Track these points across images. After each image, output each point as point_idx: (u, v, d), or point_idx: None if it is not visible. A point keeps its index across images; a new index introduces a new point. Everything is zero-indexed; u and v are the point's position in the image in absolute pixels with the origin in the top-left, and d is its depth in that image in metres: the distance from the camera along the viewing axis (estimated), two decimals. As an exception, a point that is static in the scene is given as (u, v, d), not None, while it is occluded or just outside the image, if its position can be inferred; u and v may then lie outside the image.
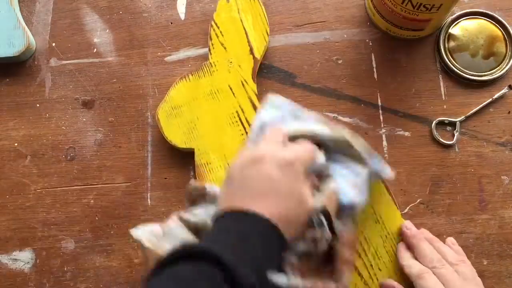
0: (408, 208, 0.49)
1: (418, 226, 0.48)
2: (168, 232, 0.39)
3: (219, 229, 0.34)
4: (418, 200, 0.49)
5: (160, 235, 0.39)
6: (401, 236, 0.46)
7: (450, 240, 0.47)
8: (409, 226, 0.46)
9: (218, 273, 0.29)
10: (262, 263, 0.33)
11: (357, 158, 0.42)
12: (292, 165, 0.37)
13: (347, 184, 0.41)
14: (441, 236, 0.48)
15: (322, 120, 0.44)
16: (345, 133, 0.42)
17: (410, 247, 0.46)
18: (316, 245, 0.38)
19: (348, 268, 0.39)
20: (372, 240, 0.46)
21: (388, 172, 0.43)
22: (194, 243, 0.37)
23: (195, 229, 0.39)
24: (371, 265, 0.46)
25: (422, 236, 0.46)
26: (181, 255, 0.31)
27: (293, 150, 0.39)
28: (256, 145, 0.41)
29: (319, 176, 0.40)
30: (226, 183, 0.38)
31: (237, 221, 0.34)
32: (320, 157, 0.41)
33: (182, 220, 0.39)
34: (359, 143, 0.42)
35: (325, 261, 0.39)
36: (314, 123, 0.43)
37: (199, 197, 0.42)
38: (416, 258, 0.45)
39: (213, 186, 0.42)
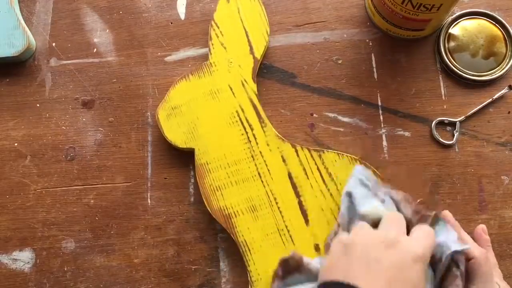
0: (408, 208, 0.49)
1: (418, 226, 0.48)
2: None
3: None
4: (418, 200, 0.49)
5: None
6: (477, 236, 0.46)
7: (482, 228, 0.47)
8: (485, 230, 0.47)
9: None
10: None
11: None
12: (423, 261, 0.36)
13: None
14: (441, 236, 0.48)
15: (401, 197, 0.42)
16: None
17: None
18: None
19: None
20: None
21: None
22: None
23: None
24: None
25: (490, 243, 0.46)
26: None
27: (420, 242, 0.37)
28: (378, 228, 0.39)
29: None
30: (344, 253, 0.36)
31: None
32: None
33: None
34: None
35: None
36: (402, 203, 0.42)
37: (294, 268, 0.42)
38: None
39: (310, 262, 0.42)
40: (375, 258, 0.35)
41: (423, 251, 0.36)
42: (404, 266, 0.35)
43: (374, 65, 0.53)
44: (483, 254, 0.40)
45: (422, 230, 0.39)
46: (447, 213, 0.46)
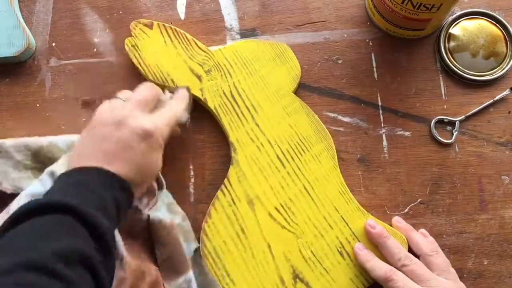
0: (408, 208, 0.49)
1: (418, 226, 0.48)
2: None
3: (70, 184, 0.36)
4: (418, 200, 0.49)
5: None
6: (367, 235, 0.46)
7: (423, 231, 0.47)
8: (373, 224, 0.45)
9: (72, 220, 0.32)
10: (110, 214, 0.36)
11: None
12: (152, 136, 0.40)
13: None
14: (441, 236, 0.48)
15: None
16: None
17: (377, 246, 0.45)
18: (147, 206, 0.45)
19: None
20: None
21: None
22: (43, 198, 0.36)
23: None
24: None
25: (387, 234, 0.45)
26: (31, 210, 0.32)
27: (155, 120, 0.41)
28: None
29: None
30: (83, 141, 0.40)
31: (86, 175, 0.37)
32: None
33: None
34: None
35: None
36: None
37: None
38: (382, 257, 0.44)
39: None
40: (103, 137, 0.39)
41: (154, 128, 0.40)
42: (131, 143, 0.39)
43: (374, 65, 0.53)
44: (386, 275, 0.42)
45: (165, 112, 0.43)
46: (398, 219, 0.48)
